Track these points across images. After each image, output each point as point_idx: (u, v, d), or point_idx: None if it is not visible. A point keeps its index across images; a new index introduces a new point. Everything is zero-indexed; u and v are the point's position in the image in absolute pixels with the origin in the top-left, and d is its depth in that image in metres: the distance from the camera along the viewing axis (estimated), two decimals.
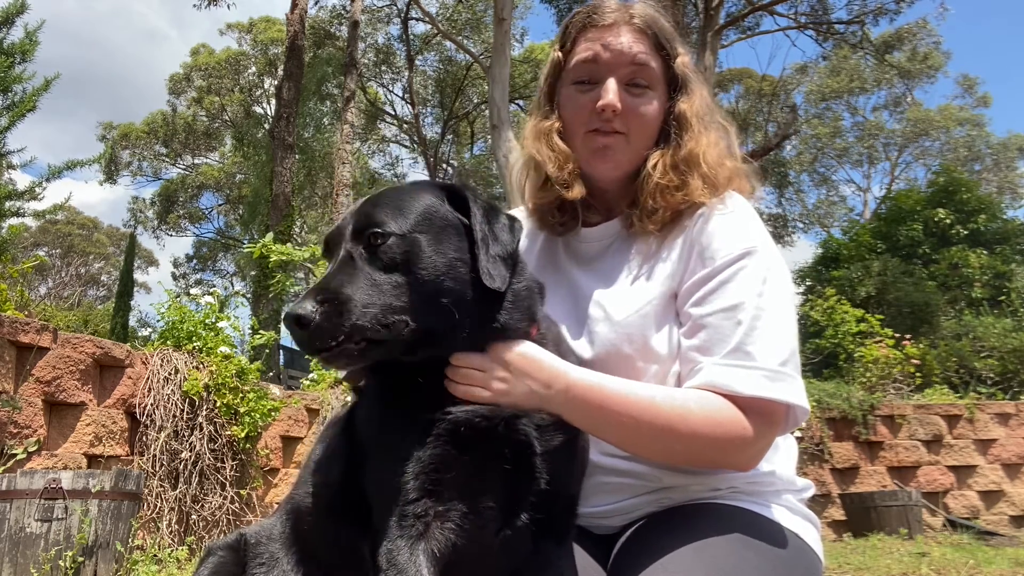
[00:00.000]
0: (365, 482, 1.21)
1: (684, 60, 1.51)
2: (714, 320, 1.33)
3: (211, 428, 5.07)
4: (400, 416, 1.18)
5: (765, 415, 1.28)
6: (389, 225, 1.16)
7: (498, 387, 1.18)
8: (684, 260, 1.42)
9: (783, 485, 1.46)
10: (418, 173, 30.04)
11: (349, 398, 1.48)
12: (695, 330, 1.35)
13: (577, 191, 1.49)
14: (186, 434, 4.96)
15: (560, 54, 1.54)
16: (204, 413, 5.05)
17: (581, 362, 1.38)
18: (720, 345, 1.31)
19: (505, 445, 1.16)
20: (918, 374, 8.92)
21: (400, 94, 28.01)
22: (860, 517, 6.79)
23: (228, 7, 23.35)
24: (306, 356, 1.17)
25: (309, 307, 1.07)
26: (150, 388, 4.93)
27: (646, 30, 1.47)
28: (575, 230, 1.56)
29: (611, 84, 1.44)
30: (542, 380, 1.21)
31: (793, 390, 1.28)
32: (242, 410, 5.16)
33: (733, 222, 1.41)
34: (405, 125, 28.19)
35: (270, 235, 10.10)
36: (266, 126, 25.46)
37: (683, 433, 1.24)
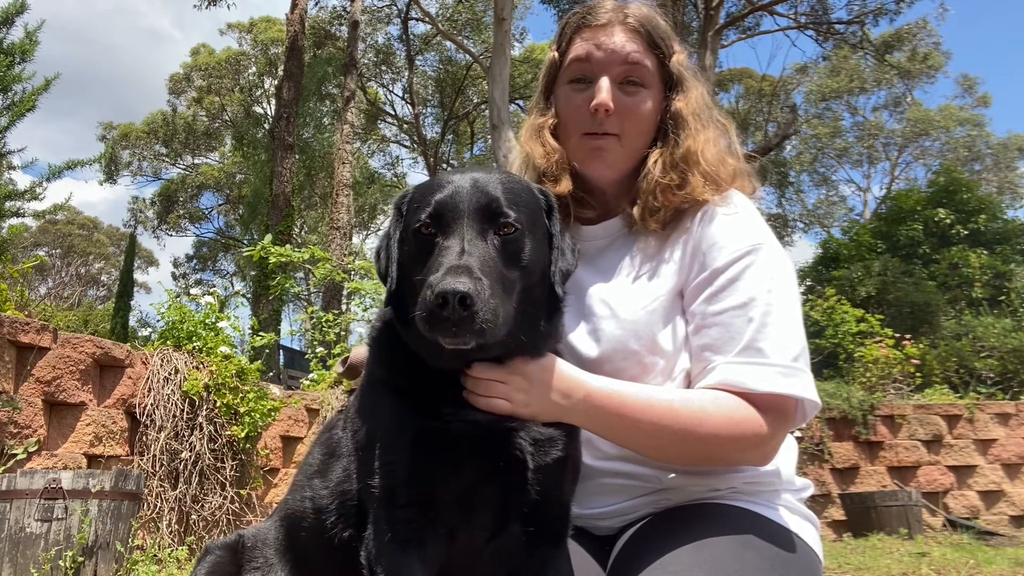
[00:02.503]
0: (358, 481, 1.21)
1: (680, 59, 1.51)
2: (725, 318, 1.34)
3: (211, 428, 5.06)
4: (398, 416, 1.18)
5: (779, 411, 1.29)
6: (513, 216, 1.14)
7: (519, 399, 1.18)
8: (689, 257, 1.42)
9: (782, 485, 1.46)
10: (418, 173, 30.06)
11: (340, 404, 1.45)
12: (706, 328, 1.36)
13: (564, 185, 1.49)
14: (186, 434, 4.96)
15: (556, 54, 1.56)
16: (204, 413, 5.05)
17: (586, 359, 1.38)
18: (732, 343, 1.31)
19: (500, 459, 1.16)
20: (918, 374, 8.92)
21: (400, 94, 28.03)
22: (860, 517, 6.79)
23: (228, 7, 23.41)
24: (432, 333, 1.07)
25: (474, 287, 1.01)
26: (150, 388, 4.93)
27: (640, 29, 1.48)
28: (569, 225, 1.56)
29: (604, 83, 1.44)
30: (562, 391, 1.22)
31: (806, 385, 1.30)
32: (242, 410, 5.16)
33: (737, 220, 1.42)
34: (405, 125, 28.18)
35: (268, 236, 10.10)
36: (266, 126, 25.46)
37: (702, 435, 1.25)
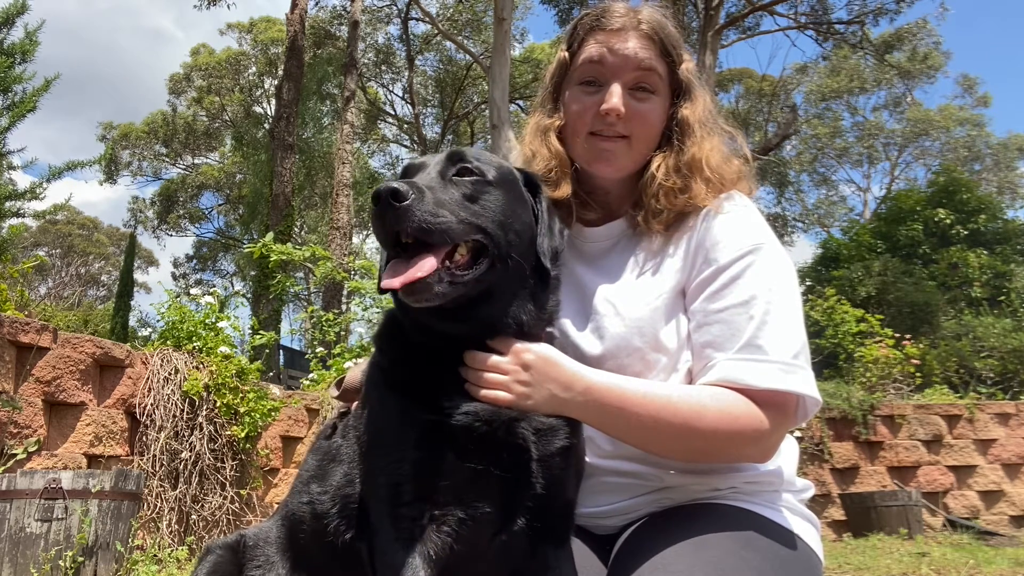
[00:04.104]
0: (361, 481, 1.21)
1: (688, 66, 1.53)
2: (726, 316, 1.35)
3: (211, 428, 5.06)
4: (401, 414, 1.18)
5: (779, 407, 1.30)
6: (477, 166, 1.20)
7: (520, 390, 1.19)
8: (691, 256, 1.43)
9: (783, 485, 1.46)
10: None
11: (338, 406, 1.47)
12: (707, 325, 1.37)
13: (563, 191, 1.51)
14: (186, 434, 4.96)
15: (567, 54, 1.56)
16: (204, 413, 5.05)
17: (589, 357, 1.40)
18: (732, 340, 1.32)
19: (503, 450, 1.16)
20: (918, 374, 8.91)
21: (400, 94, 28.03)
22: (860, 517, 6.79)
23: (228, 7, 23.42)
24: (381, 239, 1.15)
25: (406, 186, 1.07)
26: (150, 388, 4.93)
27: (653, 36, 1.49)
28: (571, 226, 1.57)
29: (616, 88, 1.46)
30: (562, 383, 1.22)
31: (805, 381, 1.30)
32: (242, 410, 5.16)
33: (739, 219, 1.43)
34: (405, 125, 28.19)
35: (270, 235, 10.10)
36: (266, 126, 25.45)
37: (701, 430, 1.25)
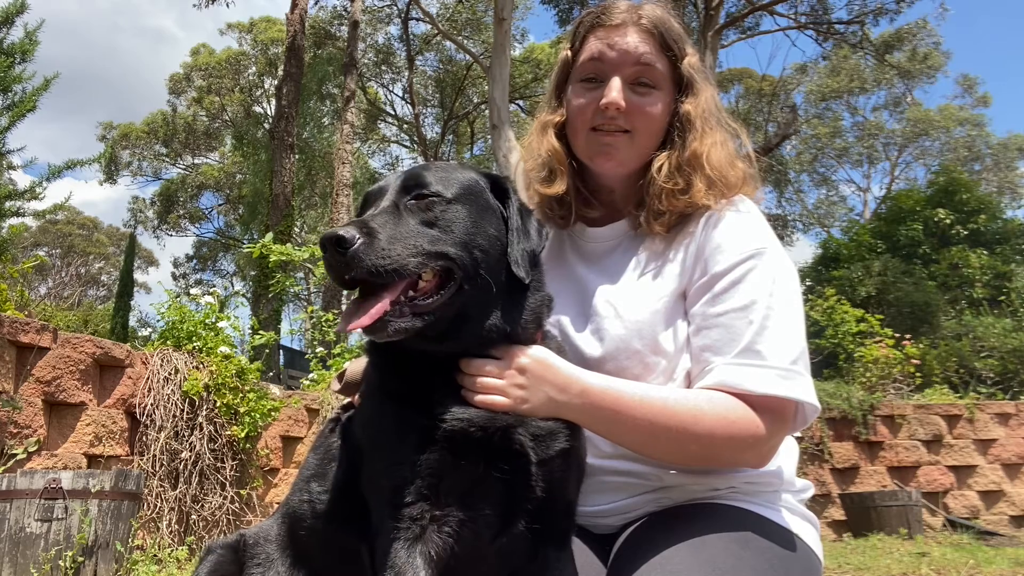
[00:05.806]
0: (363, 484, 1.21)
1: (691, 61, 1.52)
2: (726, 320, 1.34)
3: (211, 428, 5.07)
4: (399, 419, 1.18)
5: (777, 412, 1.29)
6: (435, 187, 1.18)
7: (517, 394, 1.19)
8: (693, 259, 1.43)
9: (783, 485, 1.46)
10: None
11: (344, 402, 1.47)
12: (706, 329, 1.36)
13: (558, 187, 1.51)
14: (186, 434, 4.96)
15: (569, 52, 1.57)
16: (204, 413, 5.05)
17: (589, 359, 1.39)
18: (731, 344, 1.32)
19: (501, 455, 1.16)
20: (918, 374, 8.92)
21: (400, 94, 28.04)
22: (860, 517, 6.79)
23: (228, 6, 23.40)
24: (340, 288, 1.14)
25: (353, 231, 1.06)
26: (150, 388, 4.93)
27: (653, 31, 1.48)
28: (573, 225, 1.57)
29: (615, 83, 1.45)
30: (558, 385, 1.22)
31: (804, 388, 1.30)
32: (242, 410, 5.16)
33: (742, 224, 1.43)
34: (405, 125, 28.19)
35: (270, 235, 10.09)
36: (266, 126, 25.45)
37: (697, 434, 1.25)
